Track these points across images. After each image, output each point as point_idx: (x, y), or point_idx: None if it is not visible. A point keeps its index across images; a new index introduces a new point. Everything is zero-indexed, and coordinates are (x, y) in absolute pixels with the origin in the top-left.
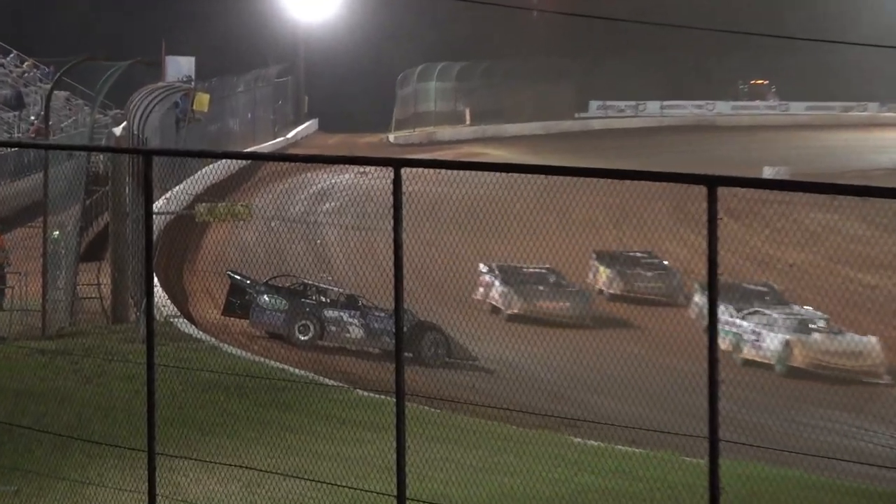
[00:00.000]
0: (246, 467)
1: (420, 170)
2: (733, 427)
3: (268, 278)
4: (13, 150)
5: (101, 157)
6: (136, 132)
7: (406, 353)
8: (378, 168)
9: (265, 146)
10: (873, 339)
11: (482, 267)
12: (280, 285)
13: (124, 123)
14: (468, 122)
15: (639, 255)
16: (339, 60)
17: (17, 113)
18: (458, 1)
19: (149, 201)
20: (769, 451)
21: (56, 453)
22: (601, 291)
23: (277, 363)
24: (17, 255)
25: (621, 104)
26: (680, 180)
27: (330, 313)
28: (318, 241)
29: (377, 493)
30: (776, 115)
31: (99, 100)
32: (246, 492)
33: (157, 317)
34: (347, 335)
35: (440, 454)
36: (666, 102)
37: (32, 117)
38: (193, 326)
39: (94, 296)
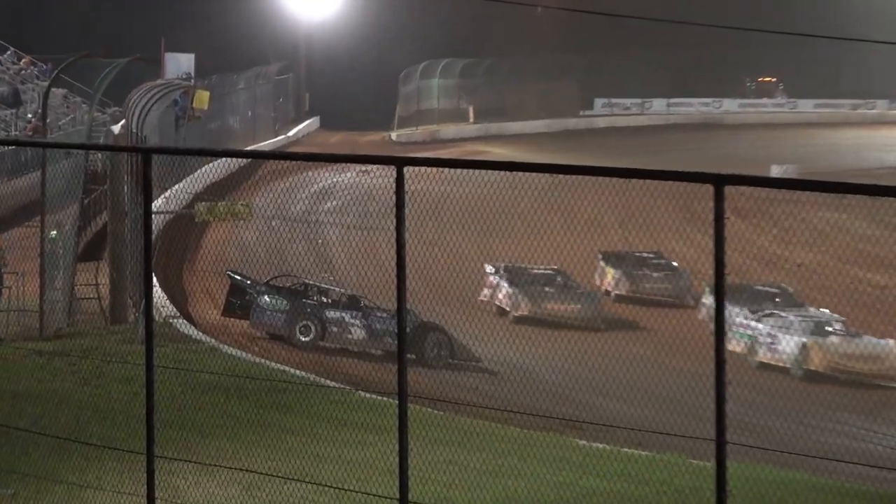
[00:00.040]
0: (246, 470)
1: (423, 168)
2: (746, 431)
3: (268, 278)
4: (10, 148)
5: (100, 155)
6: (134, 130)
7: (408, 355)
8: (380, 167)
9: (266, 144)
10: (891, 342)
11: (488, 268)
12: (281, 285)
13: (123, 121)
14: (472, 120)
15: (646, 255)
16: (340, 57)
17: (14, 111)
18: None
19: (148, 200)
20: (778, 454)
21: (54, 456)
22: (608, 292)
23: (278, 364)
24: (15, 255)
25: (627, 102)
26: (686, 179)
27: (331, 314)
28: (320, 241)
29: (379, 496)
30: (784, 113)
31: (97, 97)
32: (246, 495)
33: (156, 317)
34: (349, 336)
35: (443, 457)
36: (672, 100)
37: (30, 115)
38: (193, 327)
39: (92, 296)
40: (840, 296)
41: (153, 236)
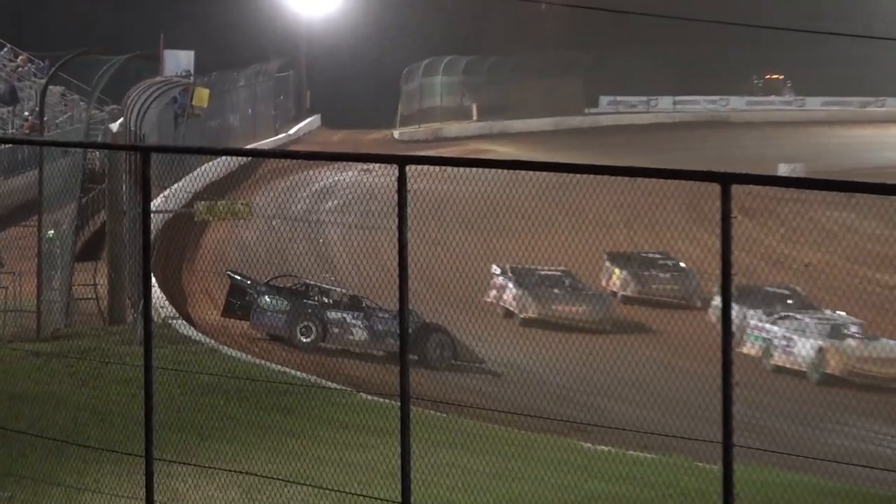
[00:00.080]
0: (246, 473)
1: (425, 167)
2: (759, 434)
3: (269, 278)
4: (7, 146)
5: (98, 153)
6: (133, 128)
7: (411, 356)
8: (382, 165)
9: (266, 142)
10: None
11: (495, 268)
12: (281, 286)
13: (121, 119)
14: (475, 118)
15: (654, 256)
16: (342, 54)
17: (10, 108)
18: None
19: (146, 199)
20: (786, 456)
21: (51, 458)
22: (614, 294)
23: (278, 366)
24: (11, 255)
25: (632, 99)
26: (693, 178)
27: (332, 314)
28: (321, 241)
29: (381, 499)
30: (792, 111)
31: (95, 95)
32: (246, 498)
33: (155, 318)
34: (350, 337)
35: (446, 459)
36: (678, 98)
37: (27, 113)
38: (192, 328)
39: (90, 296)
40: (849, 296)
41: (152, 236)
